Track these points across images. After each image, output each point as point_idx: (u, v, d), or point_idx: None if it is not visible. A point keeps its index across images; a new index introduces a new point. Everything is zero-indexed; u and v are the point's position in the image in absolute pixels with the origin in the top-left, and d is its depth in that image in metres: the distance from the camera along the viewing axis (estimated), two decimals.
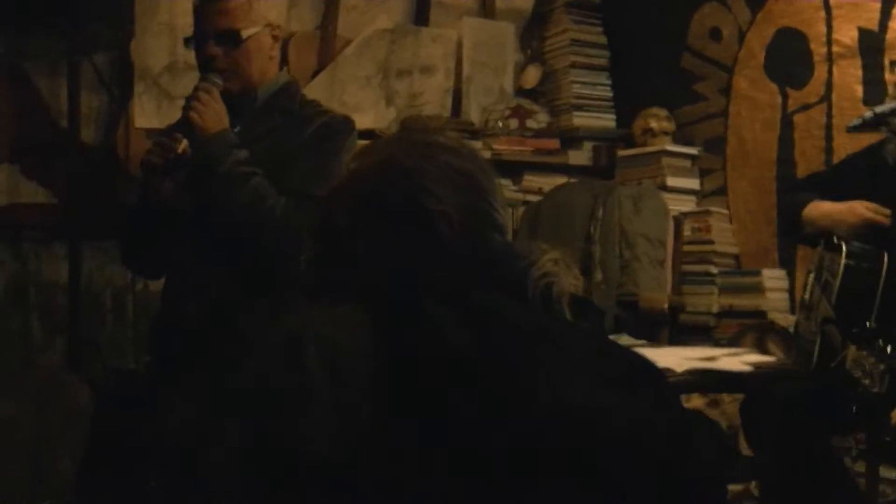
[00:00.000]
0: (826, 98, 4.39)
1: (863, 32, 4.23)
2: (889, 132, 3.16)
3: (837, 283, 3.07)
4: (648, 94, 5.13)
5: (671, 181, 4.90)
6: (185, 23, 2.73)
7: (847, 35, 4.29)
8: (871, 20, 4.19)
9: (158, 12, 4.27)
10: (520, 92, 5.34)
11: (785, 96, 4.60)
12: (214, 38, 2.59)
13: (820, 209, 3.28)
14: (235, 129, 2.57)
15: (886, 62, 3.98)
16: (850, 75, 4.28)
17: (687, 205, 4.93)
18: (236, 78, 2.61)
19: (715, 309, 4.62)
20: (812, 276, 3.35)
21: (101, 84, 4.24)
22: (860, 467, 3.49)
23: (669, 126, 5.03)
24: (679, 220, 4.78)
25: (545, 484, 1.19)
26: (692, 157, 4.99)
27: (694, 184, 4.98)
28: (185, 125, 2.53)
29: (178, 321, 2.63)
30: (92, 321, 4.16)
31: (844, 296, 3.06)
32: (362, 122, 4.29)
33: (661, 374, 1.37)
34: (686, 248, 4.76)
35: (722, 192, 4.91)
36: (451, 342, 1.22)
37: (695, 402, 4.16)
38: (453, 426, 1.19)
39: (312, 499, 1.19)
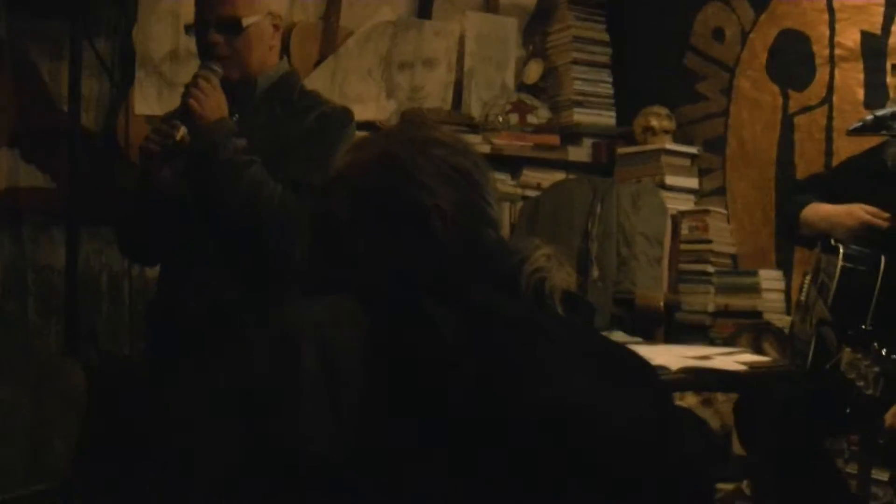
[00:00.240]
0: (827, 100, 4.39)
1: (865, 36, 4.23)
2: (890, 136, 3.16)
3: (834, 285, 3.08)
4: (650, 92, 5.13)
5: (670, 180, 4.90)
6: (188, 10, 2.72)
7: (850, 38, 4.29)
8: (875, 24, 4.19)
9: None
10: (521, 87, 5.34)
11: (786, 98, 4.59)
12: (216, 25, 2.58)
13: (819, 211, 3.28)
14: (234, 118, 2.57)
15: (888, 66, 3.98)
16: (851, 78, 4.28)
17: (685, 204, 4.93)
18: (236, 66, 2.60)
19: (711, 308, 4.63)
20: (809, 277, 3.35)
21: (102, 69, 4.23)
22: (852, 469, 3.50)
23: (670, 125, 5.03)
24: (677, 219, 4.78)
25: (543, 482, 1.19)
26: (692, 157, 4.99)
27: (693, 183, 4.98)
28: (184, 112, 2.53)
29: (174, 309, 2.63)
30: (88, 306, 4.15)
31: (841, 298, 3.06)
32: (363, 113, 4.29)
33: (653, 371, 1.37)
34: (683, 246, 4.76)
35: (721, 192, 4.92)
36: (449, 341, 1.22)
37: (688, 400, 4.16)
38: (452, 425, 1.19)
39: (311, 498, 1.19)
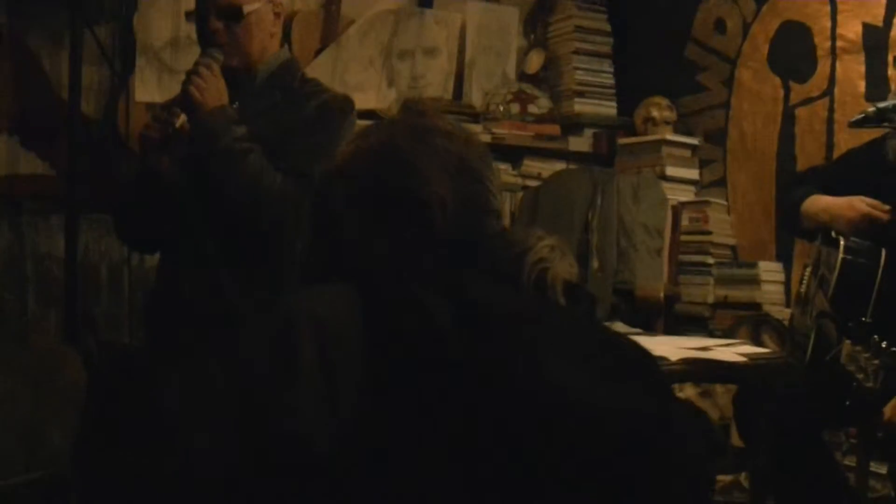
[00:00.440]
0: (828, 93, 4.39)
1: (867, 28, 4.22)
2: (891, 128, 3.15)
3: (834, 277, 3.07)
4: (651, 83, 5.13)
5: (671, 171, 4.91)
6: None
7: (851, 30, 4.28)
8: (877, 16, 4.18)
9: None
10: (522, 77, 5.34)
11: (787, 90, 4.59)
12: (216, 12, 2.57)
13: (819, 203, 3.28)
14: (234, 105, 2.56)
15: (890, 58, 3.98)
16: (853, 71, 4.28)
17: (686, 195, 4.93)
18: (237, 53, 2.59)
19: (710, 300, 4.63)
20: (809, 270, 3.35)
21: (102, 57, 4.22)
22: (851, 462, 3.51)
23: (671, 115, 5.03)
24: (677, 210, 4.78)
25: (541, 472, 1.18)
26: (692, 148, 5.00)
27: (693, 174, 4.98)
28: (184, 100, 2.52)
29: (173, 298, 2.62)
30: (88, 295, 4.15)
31: (841, 291, 3.06)
32: (364, 102, 4.28)
33: (654, 361, 1.37)
34: (684, 238, 4.76)
35: (721, 183, 4.91)
36: (446, 332, 1.21)
37: (687, 391, 4.17)
38: (449, 416, 1.19)
39: (309, 490, 1.18)
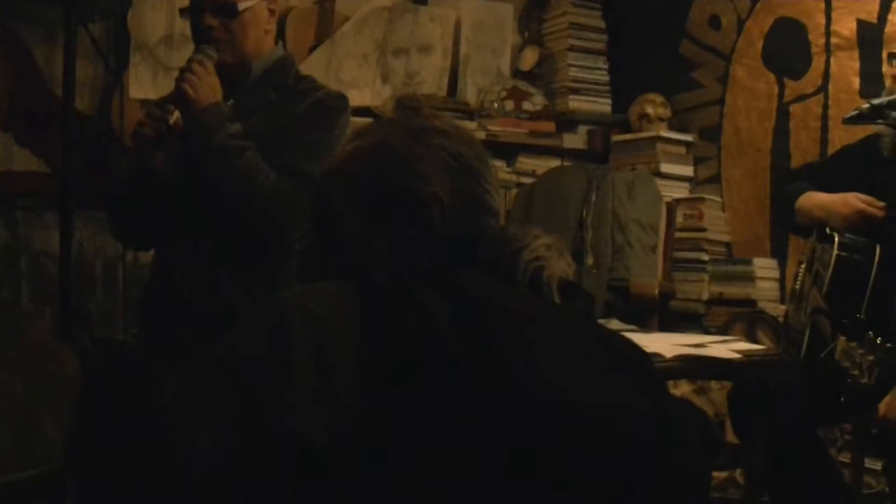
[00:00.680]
0: (823, 89, 4.39)
1: (862, 24, 4.22)
2: (886, 124, 3.15)
3: (829, 274, 3.08)
4: (646, 79, 5.13)
5: (665, 167, 4.91)
6: None
7: (846, 27, 4.29)
8: (871, 12, 4.19)
9: None
10: (517, 74, 5.34)
11: (782, 86, 4.59)
12: (211, 9, 2.56)
13: (814, 200, 3.28)
14: (229, 103, 2.55)
15: (885, 55, 3.97)
16: (847, 67, 4.28)
17: (680, 192, 4.94)
18: (231, 50, 2.58)
19: (705, 296, 4.63)
20: (804, 266, 3.35)
21: (97, 53, 4.21)
22: (846, 458, 3.51)
23: (665, 112, 5.03)
24: (672, 207, 4.78)
25: (539, 471, 1.18)
26: (687, 144, 5.00)
27: (688, 171, 4.98)
28: (178, 97, 2.51)
29: (167, 295, 2.62)
30: (82, 291, 4.15)
31: (836, 287, 3.06)
32: (358, 99, 4.29)
33: (649, 359, 1.37)
34: (678, 234, 4.77)
35: (716, 180, 4.92)
36: (443, 330, 1.21)
37: (682, 388, 4.17)
38: (446, 414, 1.19)
39: (305, 488, 1.18)
